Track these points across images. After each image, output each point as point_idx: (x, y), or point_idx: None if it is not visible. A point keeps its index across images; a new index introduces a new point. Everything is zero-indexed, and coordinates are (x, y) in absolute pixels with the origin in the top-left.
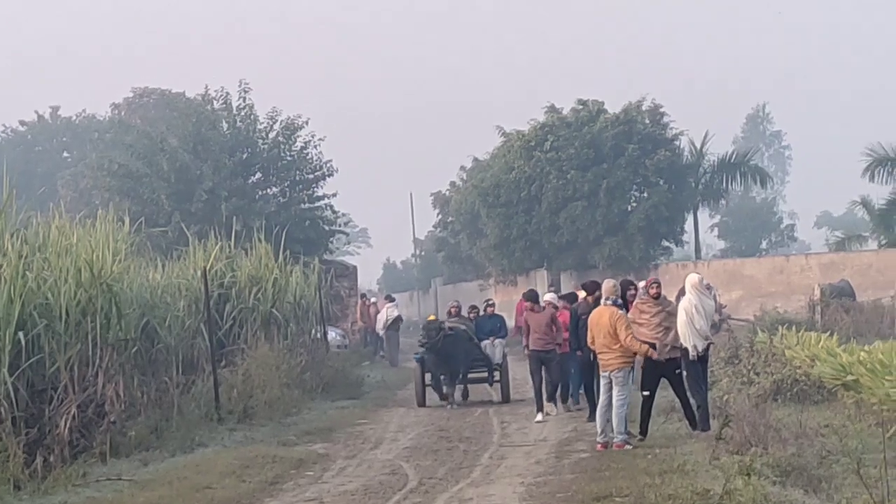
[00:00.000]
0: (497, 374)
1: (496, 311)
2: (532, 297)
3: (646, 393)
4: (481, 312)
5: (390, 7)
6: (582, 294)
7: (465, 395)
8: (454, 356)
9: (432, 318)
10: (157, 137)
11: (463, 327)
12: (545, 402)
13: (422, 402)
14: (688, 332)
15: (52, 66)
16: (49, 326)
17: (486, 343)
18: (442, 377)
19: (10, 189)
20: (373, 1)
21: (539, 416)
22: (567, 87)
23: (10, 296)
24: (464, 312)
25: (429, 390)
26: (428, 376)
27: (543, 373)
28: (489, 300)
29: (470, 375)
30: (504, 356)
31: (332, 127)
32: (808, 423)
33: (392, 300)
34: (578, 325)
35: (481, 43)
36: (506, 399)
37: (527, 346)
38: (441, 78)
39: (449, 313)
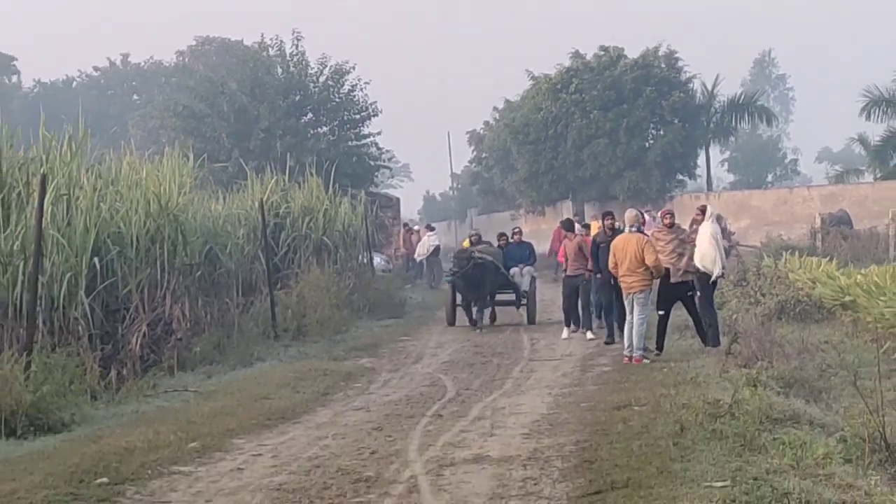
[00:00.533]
0: (524, 300)
1: (524, 240)
2: (568, 225)
3: (661, 312)
4: (510, 240)
5: None
6: (597, 224)
7: (493, 317)
8: (482, 283)
9: (466, 244)
10: (217, 81)
11: (490, 258)
12: (579, 328)
13: (451, 322)
14: (717, 256)
15: (122, 17)
16: (121, 253)
17: (514, 271)
18: (471, 302)
19: (85, 129)
20: None
21: (565, 333)
22: (590, 35)
23: (86, 225)
24: (487, 239)
25: (459, 311)
26: (459, 297)
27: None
28: (516, 228)
29: (498, 298)
30: (532, 283)
31: (376, 69)
32: (809, 340)
33: (432, 229)
34: (598, 251)
35: None
36: (531, 322)
37: (564, 270)
38: (475, 24)
39: (470, 241)
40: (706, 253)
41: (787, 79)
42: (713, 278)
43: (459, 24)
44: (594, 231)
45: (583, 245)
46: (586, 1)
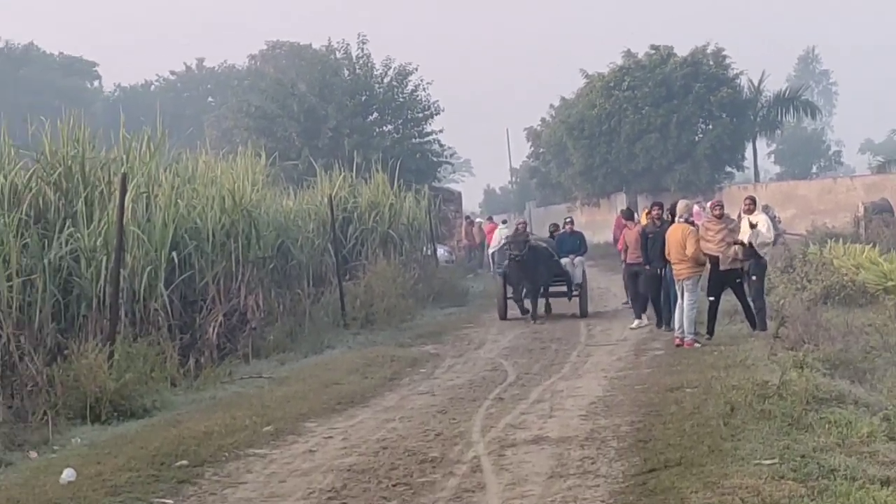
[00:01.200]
0: (576, 290)
1: (576, 229)
2: (628, 214)
3: (711, 298)
4: (561, 229)
5: None
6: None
7: (548, 309)
8: (536, 269)
9: (521, 224)
10: (288, 83)
11: (544, 244)
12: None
13: (503, 315)
14: (769, 233)
15: (197, 23)
16: (198, 247)
17: (566, 261)
18: (524, 290)
19: (163, 130)
20: None
21: (635, 323)
22: (642, 34)
23: (165, 221)
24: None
25: (511, 304)
26: (510, 290)
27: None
28: (568, 218)
29: (550, 289)
30: (584, 274)
31: (438, 69)
32: (853, 323)
33: (504, 223)
34: (647, 242)
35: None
36: (583, 314)
37: (624, 259)
38: (531, 25)
39: (517, 230)
40: (763, 233)
41: (831, 74)
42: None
43: (516, 26)
44: (644, 221)
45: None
46: (638, 2)
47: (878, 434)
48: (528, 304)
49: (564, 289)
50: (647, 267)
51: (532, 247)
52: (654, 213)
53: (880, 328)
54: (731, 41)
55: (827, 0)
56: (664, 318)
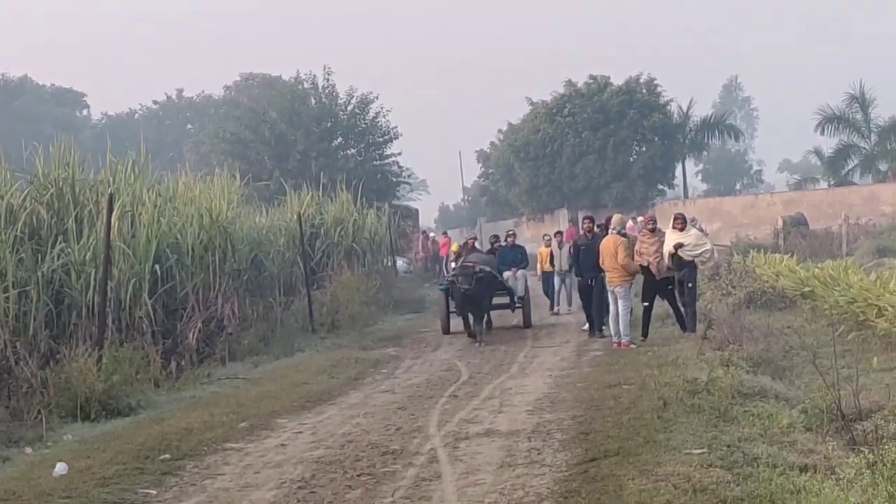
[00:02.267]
0: (519, 303)
1: (518, 243)
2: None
3: (646, 304)
4: (502, 242)
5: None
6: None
7: (489, 324)
8: (483, 298)
9: (455, 248)
10: (260, 112)
11: (489, 268)
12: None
13: (446, 330)
14: (703, 246)
15: (176, 56)
16: (179, 260)
17: (508, 274)
18: (470, 316)
19: (146, 154)
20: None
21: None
22: (581, 65)
23: (148, 237)
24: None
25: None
26: (452, 305)
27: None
28: (510, 231)
29: (494, 302)
30: (526, 286)
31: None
32: (773, 325)
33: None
34: (579, 253)
35: (512, 31)
36: (527, 325)
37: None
38: (481, 60)
39: (466, 245)
40: (693, 246)
41: (752, 100)
42: (703, 262)
43: (468, 57)
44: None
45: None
46: (578, 34)
47: (797, 425)
48: (475, 326)
49: (507, 300)
50: (579, 277)
51: (479, 278)
52: (585, 225)
53: (798, 329)
54: (662, 71)
55: (749, 32)
56: (597, 325)
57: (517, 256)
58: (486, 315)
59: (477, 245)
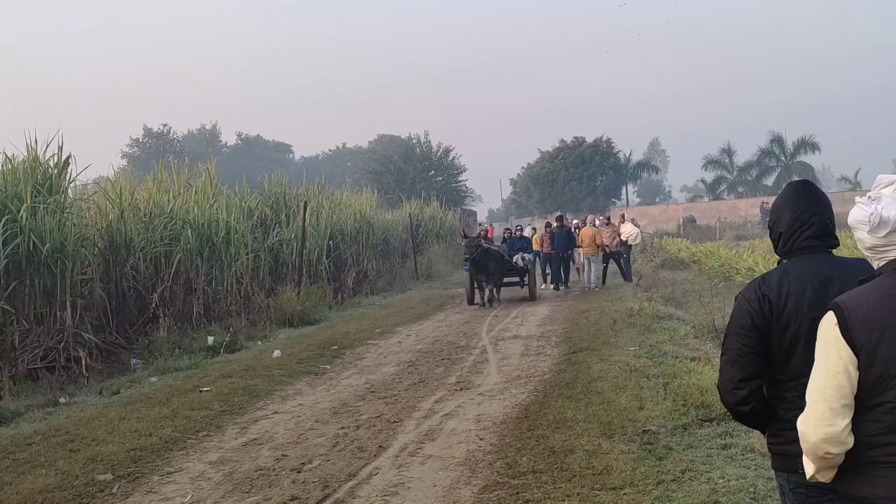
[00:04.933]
0: (524, 281)
1: (524, 235)
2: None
3: (604, 265)
4: (513, 234)
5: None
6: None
7: (493, 297)
8: (488, 266)
9: (481, 229)
10: (388, 156)
11: (496, 247)
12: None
13: (471, 301)
14: (637, 235)
15: (342, 120)
16: (342, 238)
17: (517, 258)
18: (482, 281)
19: (324, 179)
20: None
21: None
22: (568, 126)
23: (325, 225)
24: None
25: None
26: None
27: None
28: (518, 226)
29: (505, 280)
30: (531, 265)
31: (464, 143)
32: (677, 279)
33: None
34: (554, 238)
35: (532, 103)
36: (532, 297)
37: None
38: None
39: (479, 234)
40: (631, 235)
41: (667, 152)
42: (635, 245)
43: (509, 115)
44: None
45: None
46: (568, 111)
47: (689, 335)
48: (486, 291)
49: (517, 279)
50: (552, 252)
51: (484, 250)
52: (556, 222)
53: (690, 281)
54: (614, 133)
55: (668, 108)
56: (566, 281)
57: (523, 244)
58: (494, 287)
59: (490, 234)
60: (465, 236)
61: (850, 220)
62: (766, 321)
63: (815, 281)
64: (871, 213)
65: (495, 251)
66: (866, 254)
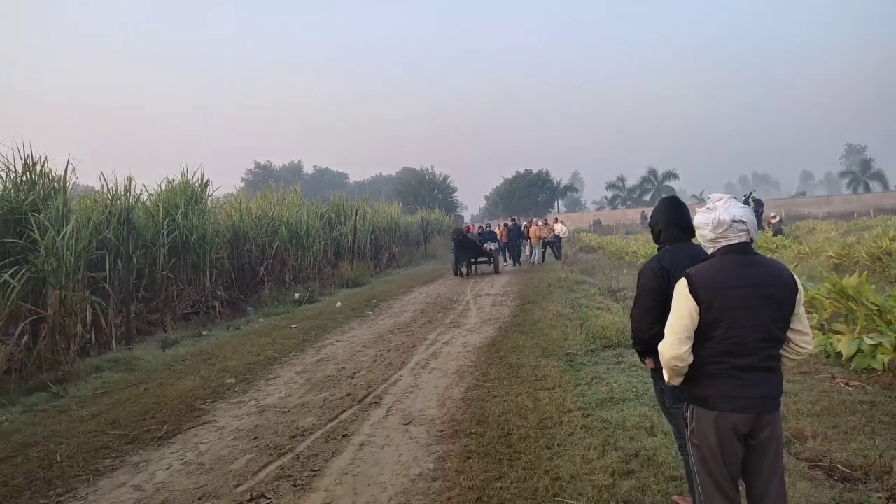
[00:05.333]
0: (492, 261)
1: (492, 229)
2: (511, 223)
3: (543, 250)
4: (484, 229)
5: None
6: (510, 223)
7: (476, 271)
8: (467, 249)
9: (465, 227)
10: (410, 181)
11: (472, 238)
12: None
13: (456, 273)
14: (565, 231)
15: (377, 154)
16: (379, 233)
17: (487, 245)
18: (463, 261)
19: (369, 195)
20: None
21: (508, 263)
22: (525, 163)
23: (370, 223)
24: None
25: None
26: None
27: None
28: (487, 223)
29: (479, 261)
30: (495, 250)
31: (457, 169)
32: (589, 259)
33: (490, 225)
34: (510, 232)
35: (500, 142)
36: (496, 271)
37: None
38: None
39: (467, 229)
40: (561, 231)
41: (584, 180)
42: (563, 237)
43: (485, 147)
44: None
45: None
46: (520, 147)
47: (597, 294)
48: (466, 269)
49: (486, 261)
50: (508, 241)
51: (465, 236)
52: (510, 221)
53: (599, 260)
54: (550, 165)
55: (582, 150)
56: (519, 261)
57: (492, 236)
58: (471, 265)
59: (471, 230)
60: (456, 229)
61: (696, 222)
62: (665, 284)
63: (689, 259)
64: (713, 218)
65: (471, 239)
66: (705, 244)
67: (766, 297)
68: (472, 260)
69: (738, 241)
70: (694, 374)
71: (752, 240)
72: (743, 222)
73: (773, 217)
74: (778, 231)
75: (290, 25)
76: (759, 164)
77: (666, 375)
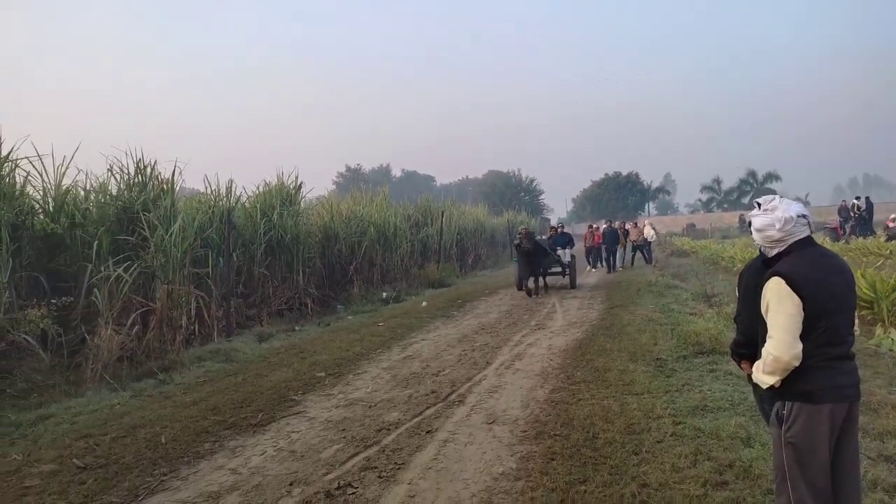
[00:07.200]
0: (566, 272)
1: (566, 231)
2: (597, 226)
3: (633, 253)
4: (557, 231)
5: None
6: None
7: (545, 287)
8: (533, 260)
9: (524, 230)
10: (495, 184)
11: (541, 243)
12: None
13: (519, 287)
14: (652, 234)
15: (466, 158)
16: (465, 234)
17: (560, 252)
18: (528, 274)
19: (454, 198)
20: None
21: (588, 269)
22: (614, 165)
23: (455, 225)
24: (542, 235)
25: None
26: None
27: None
28: (560, 224)
29: (550, 272)
30: (572, 258)
31: (544, 173)
32: (681, 263)
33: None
34: (606, 235)
35: (585, 148)
36: (573, 286)
37: (585, 245)
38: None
39: (519, 234)
40: (649, 235)
41: (676, 182)
42: (651, 241)
43: (569, 149)
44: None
45: (596, 234)
46: (608, 151)
47: (689, 298)
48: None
49: (559, 270)
50: (605, 246)
51: (536, 242)
52: (605, 225)
53: (691, 264)
54: (641, 168)
55: (676, 150)
56: (613, 267)
57: (566, 240)
58: (539, 277)
59: (543, 236)
60: (527, 232)
61: (758, 225)
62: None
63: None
64: (778, 217)
65: (539, 246)
66: (767, 245)
67: (850, 286)
68: (542, 271)
69: (805, 236)
70: (795, 369)
71: (813, 232)
72: (805, 217)
73: (893, 220)
74: (893, 236)
75: (392, 39)
76: (870, 165)
77: (770, 379)
